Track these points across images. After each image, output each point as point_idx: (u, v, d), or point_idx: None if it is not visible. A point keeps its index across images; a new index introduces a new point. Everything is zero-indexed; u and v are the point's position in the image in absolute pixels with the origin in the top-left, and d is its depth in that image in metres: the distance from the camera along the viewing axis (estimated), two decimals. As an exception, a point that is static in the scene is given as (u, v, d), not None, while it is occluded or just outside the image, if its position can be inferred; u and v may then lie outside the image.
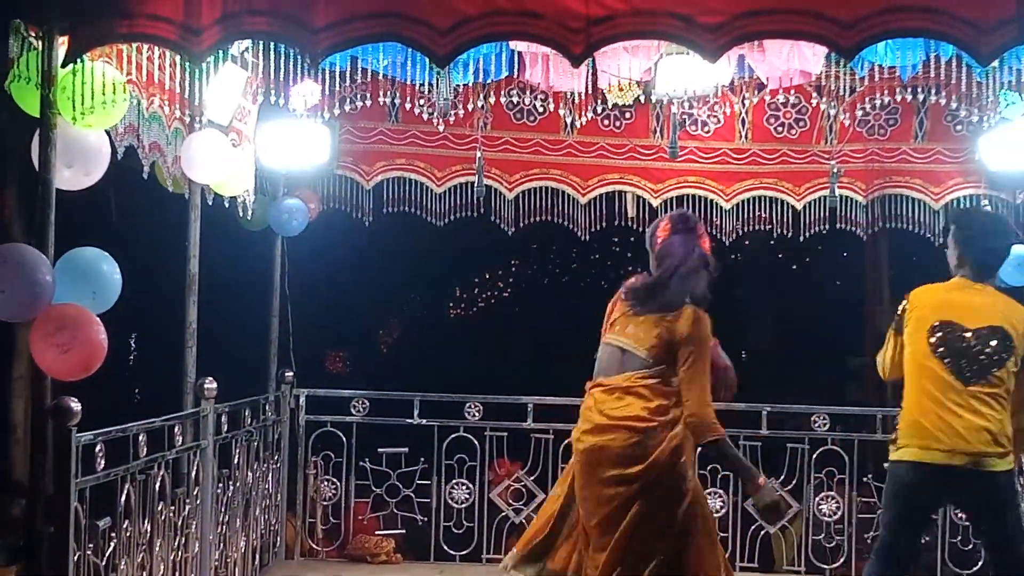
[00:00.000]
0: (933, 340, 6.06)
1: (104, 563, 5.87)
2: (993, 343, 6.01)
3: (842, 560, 9.39)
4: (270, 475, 8.84)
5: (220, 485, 7.56)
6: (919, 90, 8.09)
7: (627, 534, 5.83)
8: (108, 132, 6.20)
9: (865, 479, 9.41)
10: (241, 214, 8.35)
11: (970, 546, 9.19)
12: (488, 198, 9.49)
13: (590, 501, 5.94)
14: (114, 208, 13.23)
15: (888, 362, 6.34)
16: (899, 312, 6.31)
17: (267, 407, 8.82)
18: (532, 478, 9.42)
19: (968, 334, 6.03)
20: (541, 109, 9.32)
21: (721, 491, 9.18)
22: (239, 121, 7.95)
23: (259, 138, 8.39)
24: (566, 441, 9.14)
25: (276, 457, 9.03)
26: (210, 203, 7.90)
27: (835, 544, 9.42)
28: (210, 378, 7.27)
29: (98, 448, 5.69)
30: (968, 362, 5.99)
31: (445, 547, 9.41)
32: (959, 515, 9.12)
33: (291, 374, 9.31)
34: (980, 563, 9.14)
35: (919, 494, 6.09)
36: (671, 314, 6.05)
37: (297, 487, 9.36)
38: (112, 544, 5.92)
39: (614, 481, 5.88)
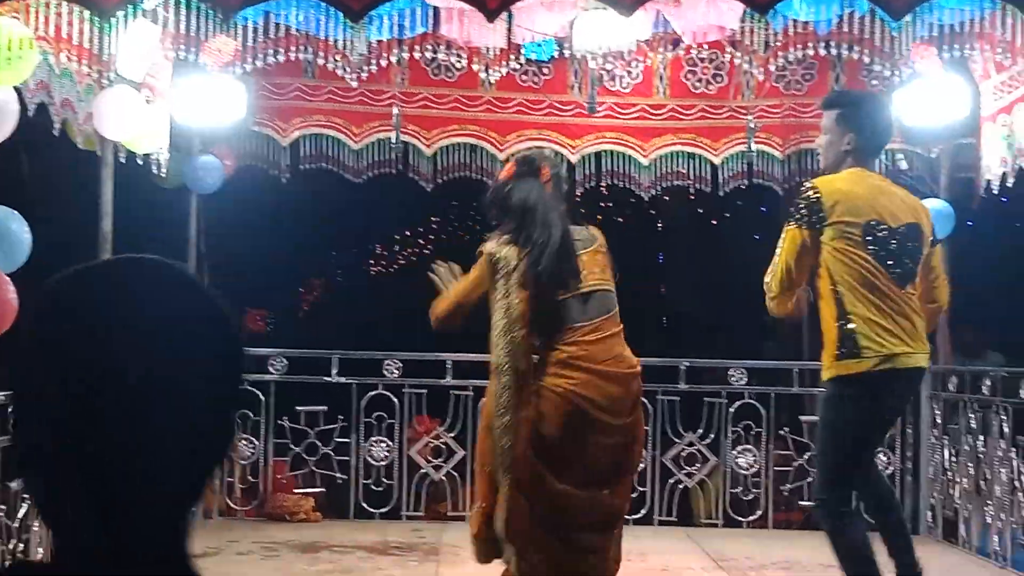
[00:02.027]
0: (872, 245, 5.54)
1: (16, 525, 5.81)
2: (912, 242, 5.68)
3: (759, 513, 9.48)
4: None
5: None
6: (834, 45, 8.14)
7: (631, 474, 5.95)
8: (18, 89, 6.09)
9: (781, 432, 9.50)
10: (155, 171, 8.24)
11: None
12: (406, 154, 9.47)
13: (602, 448, 5.76)
14: (24, 165, 13.03)
15: (793, 266, 5.59)
16: (808, 202, 5.57)
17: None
18: (452, 435, 9.43)
19: (895, 234, 5.61)
20: (459, 65, 9.26)
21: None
22: (152, 77, 7.85)
23: (173, 94, 8.28)
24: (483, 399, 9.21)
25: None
26: (123, 160, 7.79)
27: (752, 497, 9.51)
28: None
29: (10, 409, 5.59)
30: (897, 263, 5.60)
31: (365, 505, 9.41)
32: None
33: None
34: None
35: (891, 402, 5.76)
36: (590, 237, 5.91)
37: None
38: (25, 506, 5.85)
39: (632, 425, 5.86)
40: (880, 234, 5.58)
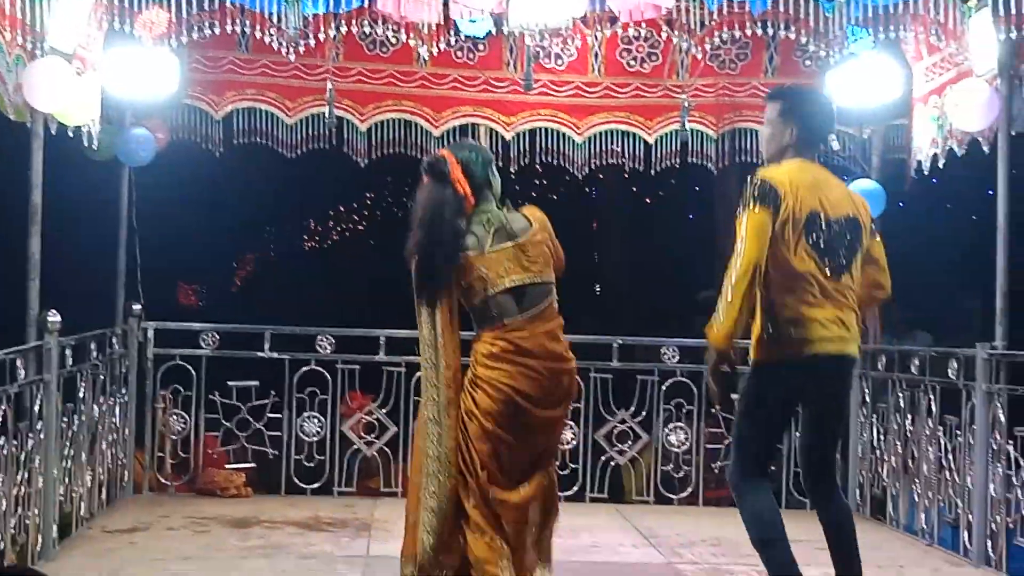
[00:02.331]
0: (811, 237, 5.57)
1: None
2: (850, 235, 5.72)
3: (690, 490, 9.54)
4: (117, 409, 8.71)
5: (65, 419, 7.42)
6: (769, 24, 8.18)
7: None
8: (-56, 58, 6.01)
9: (713, 410, 9.55)
10: (86, 144, 8.15)
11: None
12: (341, 130, 9.43)
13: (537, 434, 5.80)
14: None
15: (758, 252, 5.46)
16: (758, 188, 5.52)
17: (114, 340, 8.67)
18: (384, 411, 9.41)
19: (833, 225, 5.64)
20: (394, 40, 9.23)
21: (572, 423, 9.23)
22: (84, 48, 7.75)
23: (105, 66, 8.19)
24: (418, 374, 9.19)
25: (123, 391, 8.89)
26: (53, 132, 7.69)
27: (683, 474, 9.57)
28: (53, 311, 7.12)
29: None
30: (832, 255, 5.63)
31: (296, 480, 9.38)
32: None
33: (139, 307, 9.16)
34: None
35: (813, 389, 5.76)
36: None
37: (145, 421, 9.25)
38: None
39: (560, 418, 5.93)
40: (819, 225, 5.61)
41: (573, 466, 9.41)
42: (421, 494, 5.73)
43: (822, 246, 5.62)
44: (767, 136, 5.92)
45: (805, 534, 8.44)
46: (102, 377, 8.25)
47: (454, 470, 5.68)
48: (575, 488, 9.40)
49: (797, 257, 5.57)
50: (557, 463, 6.13)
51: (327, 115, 9.17)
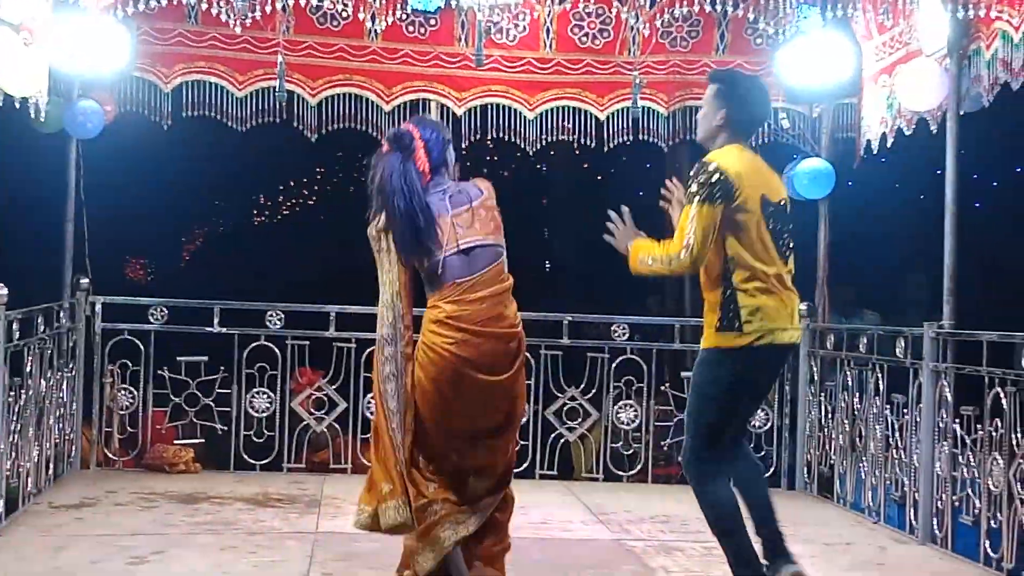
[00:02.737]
0: (768, 218, 5.60)
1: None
2: (789, 219, 5.79)
3: (639, 467, 9.57)
4: (64, 384, 8.65)
5: (12, 394, 7.36)
6: (720, 2, 8.19)
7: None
8: None
9: (663, 388, 9.60)
10: (33, 116, 8.05)
11: (762, 452, 9.45)
12: (291, 104, 9.38)
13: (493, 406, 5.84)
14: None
15: (704, 250, 5.51)
16: (717, 179, 5.51)
17: (61, 314, 8.60)
18: (334, 387, 9.39)
19: (777, 211, 5.70)
20: (344, 14, 9.21)
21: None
22: (31, 19, 7.66)
23: (52, 37, 8.10)
24: (369, 349, 9.17)
25: (71, 365, 8.83)
26: (0, 104, 7.62)
27: (632, 452, 9.61)
28: (0, 284, 7.05)
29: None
30: (779, 239, 5.69)
31: (245, 456, 9.35)
32: (753, 423, 9.41)
33: (86, 281, 9.09)
34: (772, 469, 9.42)
35: (763, 375, 5.85)
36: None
37: (93, 396, 9.19)
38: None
39: (512, 382, 5.86)
40: (769, 210, 5.65)
41: (523, 443, 9.41)
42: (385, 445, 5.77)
43: (774, 231, 5.66)
44: (701, 116, 5.96)
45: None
46: (49, 351, 8.19)
47: (410, 420, 5.74)
48: (525, 465, 9.41)
49: (753, 245, 5.60)
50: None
51: (277, 89, 9.13)
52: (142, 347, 9.21)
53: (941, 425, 7.49)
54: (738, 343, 5.62)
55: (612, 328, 9.55)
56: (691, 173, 5.62)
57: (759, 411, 9.44)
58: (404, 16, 9.02)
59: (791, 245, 5.77)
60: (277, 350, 9.34)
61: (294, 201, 23.88)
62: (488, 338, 5.68)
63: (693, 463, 5.76)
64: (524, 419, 9.25)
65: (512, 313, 5.81)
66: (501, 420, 5.84)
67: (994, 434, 6.85)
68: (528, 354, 6.15)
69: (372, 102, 9.49)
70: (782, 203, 5.76)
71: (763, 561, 5.73)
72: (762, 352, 5.63)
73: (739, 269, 5.60)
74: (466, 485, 5.82)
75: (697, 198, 5.52)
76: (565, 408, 9.58)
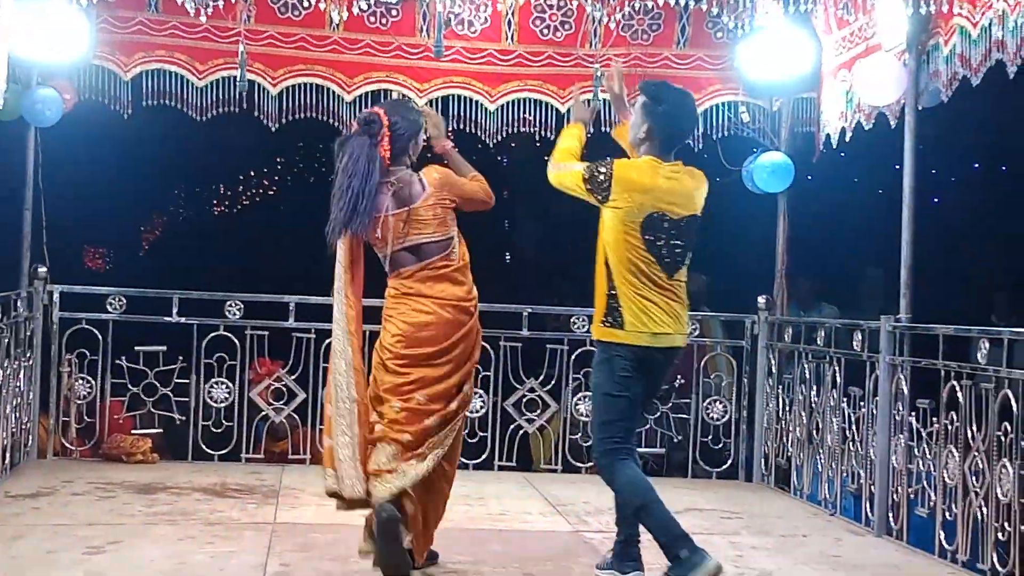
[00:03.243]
0: (648, 235, 5.83)
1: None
2: (689, 234, 5.94)
3: (598, 459, 9.59)
4: (21, 373, 8.61)
5: (-32, 383, 7.33)
6: (682, -4, 8.21)
7: None
8: None
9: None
10: (-9, 103, 8.02)
11: (720, 445, 9.50)
12: (251, 93, 9.36)
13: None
14: None
15: (560, 182, 6.23)
16: (600, 170, 5.93)
17: (19, 303, 8.56)
18: (293, 377, 9.37)
19: (675, 226, 5.87)
20: (306, 3, 9.19)
21: (481, 391, 9.26)
22: (-11, 6, 7.63)
23: (11, 24, 8.04)
24: (328, 339, 9.16)
25: (28, 355, 8.78)
26: (-42, 92, 7.58)
27: (591, 443, 9.59)
28: (-43, 273, 7.02)
29: None
30: (669, 253, 5.87)
31: (204, 446, 9.33)
32: (711, 416, 9.47)
33: (44, 269, 9.05)
34: (729, 461, 9.47)
35: (647, 375, 5.95)
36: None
37: (50, 385, 9.15)
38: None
39: (454, 347, 6.21)
40: (660, 226, 5.86)
41: (482, 434, 9.44)
42: (335, 423, 6.04)
43: (660, 245, 5.86)
44: (629, 125, 6.18)
45: (708, 503, 8.57)
46: (6, 340, 8.15)
47: (362, 393, 6.08)
48: (484, 456, 9.42)
49: (636, 253, 5.84)
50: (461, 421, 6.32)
51: (238, 78, 9.11)
52: (100, 336, 9.17)
53: (897, 418, 7.54)
54: (620, 340, 5.86)
55: (572, 319, 9.55)
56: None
57: (717, 403, 9.53)
58: (366, 6, 8.99)
59: (684, 259, 5.96)
60: (236, 340, 9.32)
61: (254, 191, 23.73)
62: (431, 309, 6.13)
63: (599, 456, 6.08)
64: (482, 410, 9.32)
65: (457, 290, 6.21)
66: (447, 346, 6.13)
67: (949, 427, 6.91)
68: (487, 345, 6.29)
69: (333, 92, 9.47)
70: (682, 220, 5.93)
71: (607, 557, 6.18)
72: (643, 352, 5.86)
73: (619, 274, 5.87)
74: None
75: (587, 165, 6.02)
76: (524, 400, 9.59)
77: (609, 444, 5.94)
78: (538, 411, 9.61)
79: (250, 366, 9.43)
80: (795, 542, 7.49)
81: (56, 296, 9.15)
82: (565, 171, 6.15)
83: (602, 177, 5.90)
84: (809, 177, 10.42)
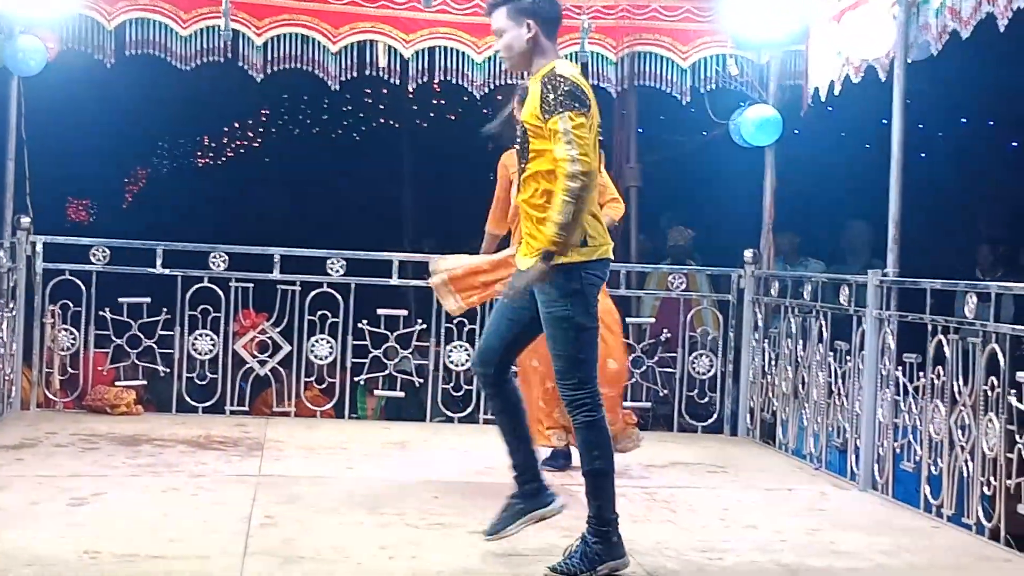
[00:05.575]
0: (598, 133, 5.41)
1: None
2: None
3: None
4: (4, 324, 8.57)
5: (-50, 334, 7.29)
6: (670, -53, 8.15)
7: None
8: None
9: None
10: (-27, 52, 7.96)
11: (705, 399, 9.50)
12: (236, 43, 9.29)
13: None
14: None
15: (595, 159, 5.29)
16: (575, 88, 5.29)
17: (1, 254, 8.52)
18: (278, 330, 9.35)
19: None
20: (291, -48, 9.12)
21: (467, 344, 9.25)
22: (-29, -47, 7.55)
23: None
24: (313, 292, 9.13)
25: (11, 306, 8.75)
26: (-61, 40, 7.51)
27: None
28: (-62, 223, 6.97)
29: None
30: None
31: (188, 398, 9.30)
32: (697, 370, 9.46)
33: (27, 220, 8.99)
34: (715, 415, 9.47)
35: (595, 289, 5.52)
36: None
37: (33, 337, 9.11)
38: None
39: None
40: (598, 125, 5.49)
41: (468, 388, 9.41)
42: None
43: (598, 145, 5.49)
44: (507, 44, 5.57)
45: (693, 457, 8.57)
46: (-11, 291, 8.11)
47: None
48: (469, 409, 9.40)
49: (597, 160, 5.42)
50: None
51: (222, 28, 9.02)
52: (84, 288, 9.13)
53: (884, 372, 7.53)
54: (598, 256, 5.44)
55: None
56: (541, 93, 5.34)
57: (703, 358, 9.53)
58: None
59: None
60: (220, 292, 9.28)
61: (239, 143, 23.65)
62: None
63: (592, 410, 5.58)
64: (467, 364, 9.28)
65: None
66: None
67: (936, 382, 6.90)
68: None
69: (318, 43, 9.40)
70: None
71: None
72: (604, 264, 5.50)
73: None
74: None
75: (564, 109, 5.27)
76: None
77: (595, 387, 5.51)
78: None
79: (235, 318, 9.39)
80: (780, 496, 7.50)
81: (39, 247, 9.09)
82: (575, 148, 5.20)
83: (577, 89, 5.30)
84: (797, 131, 10.38)
